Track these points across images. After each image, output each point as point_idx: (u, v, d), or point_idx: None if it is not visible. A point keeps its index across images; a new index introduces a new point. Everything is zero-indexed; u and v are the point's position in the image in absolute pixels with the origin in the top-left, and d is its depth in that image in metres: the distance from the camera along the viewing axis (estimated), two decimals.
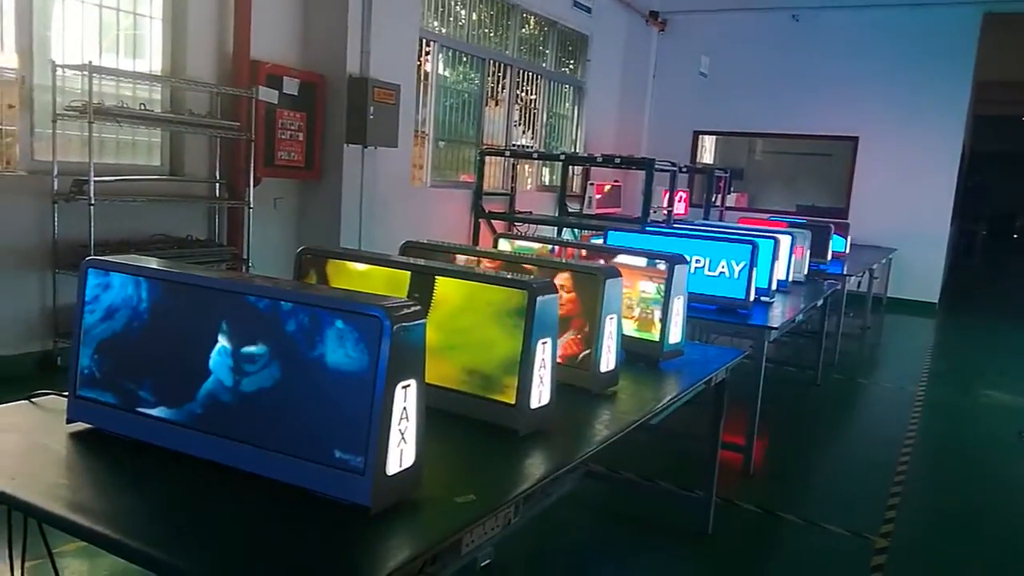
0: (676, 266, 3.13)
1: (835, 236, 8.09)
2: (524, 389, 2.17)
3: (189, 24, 5.79)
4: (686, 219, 9.99)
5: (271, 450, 1.72)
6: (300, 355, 1.70)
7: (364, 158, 6.91)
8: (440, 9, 8.47)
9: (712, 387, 3.55)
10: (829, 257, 7.42)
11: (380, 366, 1.60)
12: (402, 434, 1.67)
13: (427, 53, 8.28)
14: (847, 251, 8.47)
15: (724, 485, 4.09)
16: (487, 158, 9.37)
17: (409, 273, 2.40)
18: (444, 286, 2.34)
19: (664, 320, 3.13)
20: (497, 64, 9.64)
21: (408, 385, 1.66)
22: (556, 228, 9.74)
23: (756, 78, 11.49)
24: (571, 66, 11.18)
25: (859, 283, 8.91)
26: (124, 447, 1.89)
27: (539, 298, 2.16)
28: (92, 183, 4.84)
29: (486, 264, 2.80)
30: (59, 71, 4.82)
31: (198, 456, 1.80)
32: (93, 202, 4.86)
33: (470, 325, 2.28)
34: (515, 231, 9.18)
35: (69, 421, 1.98)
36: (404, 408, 1.66)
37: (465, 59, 9.11)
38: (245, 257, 6.09)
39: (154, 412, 1.87)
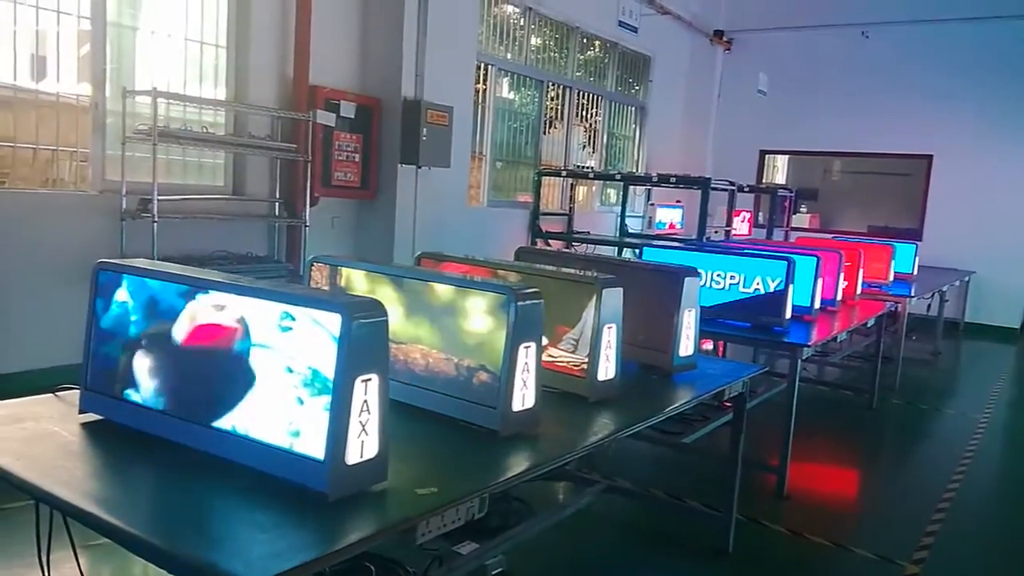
0: (686, 279, 3.14)
1: (900, 256, 7.84)
2: (505, 391, 2.24)
3: (252, 53, 6.12)
4: (748, 239, 9.85)
5: (247, 438, 1.84)
6: (277, 347, 1.81)
7: (418, 178, 7.11)
8: (501, 34, 8.67)
9: (733, 402, 3.53)
10: (891, 277, 7.20)
11: (339, 359, 1.71)
12: (363, 426, 1.76)
13: (485, 77, 8.48)
14: (915, 272, 8.17)
15: (755, 505, 4.04)
16: (546, 178, 9.51)
17: (409, 281, 2.51)
18: (437, 292, 2.43)
19: (674, 333, 3.13)
20: (558, 86, 9.77)
21: (369, 379, 1.75)
22: (617, 248, 9.75)
23: (825, 96, 11.26)
24: (635, 88, 11.22)
25: (929, 306, 8.60)
26: (125, 436, 2.04)
27: (519, 303, 2.22)
28: (156, 201, 5.17)
29: (485, 273, 2.88)
30: (128, 97, 5.18)
31: (184, 444, 1.93)
32: (157, 219, 5.19)
33: (461, 330, 2.36)
34: (573, 251, 9.23)
35: (81, 412, 2.16)
36: (365, 401, 1.75)
37: (528, 82, 9.28)
38: (302, 273, 6.34)
39: (149, 403, 2.02)
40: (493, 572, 3.34)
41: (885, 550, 3.68)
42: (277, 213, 6.45)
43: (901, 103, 10.74)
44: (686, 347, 3.18)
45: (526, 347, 2.26)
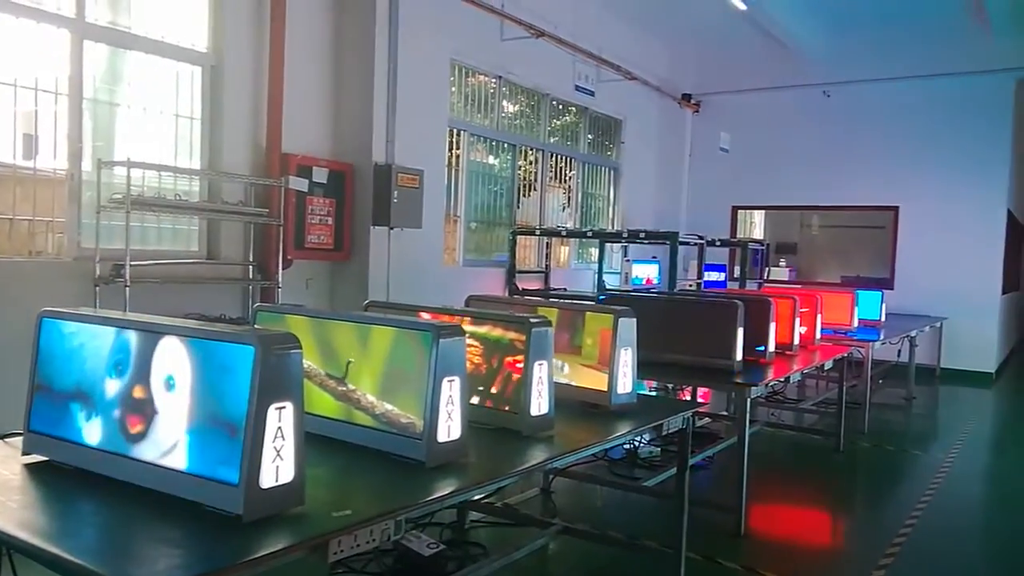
0: (621, 319, 3.28)
1: (867, 304, 8.04)
2: (430, 423, 2.36)
3: (225, 124, 6.38)
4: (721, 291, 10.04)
5: (170, 469, 1.95)
6: (198, 382, 1.95)
7: (391, 239, 7.30)
8: (476, 101, 9.03)
9: (677, 438, 3.64)
10: (854, 324, 7.36)
11: (252, 388, 1.84)
12: (277, 451, 1.88)
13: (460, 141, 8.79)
14: (882, 318, 8.35)
15: (712, 544, 4.11)
16: (524, 238, 9.76)
17: (345, 324, 2.65)
18: (370, 333, 2.57)
19: (612, 371, 3.26)
20: (534, 150, 10.10)
21: (283, 407, 1.88)
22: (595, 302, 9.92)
23: (791, 153, 11.63)
24: (609, 150, 11.57)
25: (899, 352, 8.74)
26: (63, 473, 2.15)
27: (442, 340, 2.37)
28: (128, 267, 5.33)
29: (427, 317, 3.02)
30: (105, 168, 5.40)
31: (116, 478, 2.04)
32: (129, 283, 5.34)
33: (392, 367, 2.50)
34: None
35: (24, 453, 2.27)
36: (279, 428, 1.87)
37: (505, 146, 9.60)
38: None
39: (85, 441, 2.13)
40: None
41: None
42: (251, 276, 6.61)
43: (865, 157, 11.11)
44: (624, 385, 3.30)
45: (450, 381, 2.39)
